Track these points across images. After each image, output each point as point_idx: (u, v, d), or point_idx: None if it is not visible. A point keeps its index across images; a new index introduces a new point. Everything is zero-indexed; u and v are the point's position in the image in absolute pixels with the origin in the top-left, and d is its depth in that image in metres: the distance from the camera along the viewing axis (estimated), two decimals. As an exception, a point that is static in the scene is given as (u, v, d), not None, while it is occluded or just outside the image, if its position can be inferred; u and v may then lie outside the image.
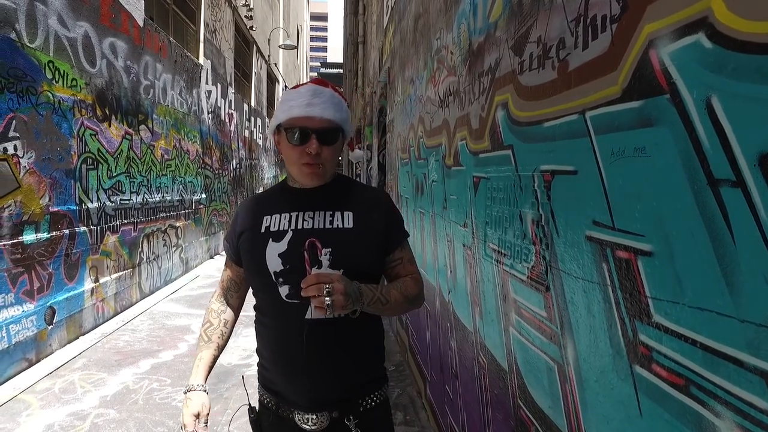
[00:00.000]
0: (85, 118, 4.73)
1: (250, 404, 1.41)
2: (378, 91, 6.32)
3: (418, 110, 3.36)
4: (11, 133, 3.69)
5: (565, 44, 1.27)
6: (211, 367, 1.42)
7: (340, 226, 1.26)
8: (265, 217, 1.32)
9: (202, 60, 8.80)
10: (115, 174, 5.39)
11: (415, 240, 3.41)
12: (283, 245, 1.25)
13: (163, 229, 6.85)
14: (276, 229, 1.29)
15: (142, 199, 6.14)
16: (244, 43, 13.21)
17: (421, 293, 1.32)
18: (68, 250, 4.44)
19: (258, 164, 14.67)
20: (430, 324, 3.09)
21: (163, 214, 6.87)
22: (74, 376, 3.80)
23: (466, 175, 2.24)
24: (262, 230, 1.30)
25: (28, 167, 3.87)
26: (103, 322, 5.10)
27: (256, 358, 4.51)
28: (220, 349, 1.45)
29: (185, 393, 1.34)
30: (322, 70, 46.41)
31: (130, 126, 5.75)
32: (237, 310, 1.53)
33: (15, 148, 3.73)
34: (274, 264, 1.25)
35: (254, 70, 14.17)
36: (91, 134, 4.86)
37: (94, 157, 4.92)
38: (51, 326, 4.18)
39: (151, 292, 6.38)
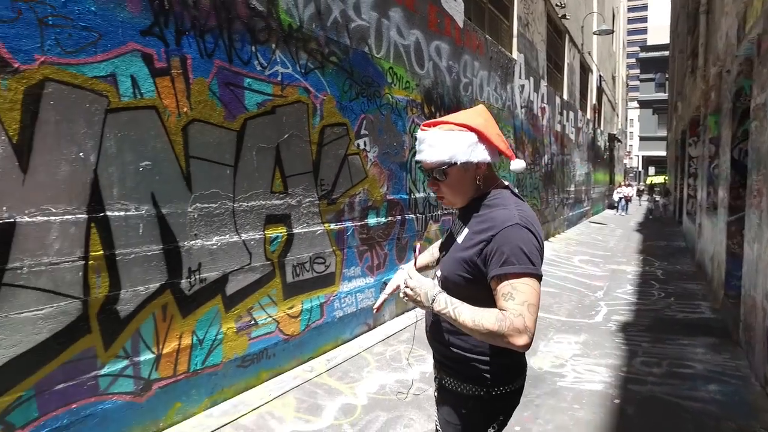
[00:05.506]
0: (415, 116, 5.27)
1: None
2: (734, 68, 4.98)
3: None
4: (362, 131, 4.37)
5: None
6: (429, 263, 1.82)
7: (456, 239, 1.50)
8: (455, 213, 1.68)
9: (515, 54, 8.83)
10: (437, 167, 5.83)
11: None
12: (444, 237, 1.70)
13: (476, 220, 7.12)
14: (451, 223, 1.73)
15: (460, 191, 6.49)
16: (556, 34, 12.75)
17: (501, 333, 1.28)
18: (399, 234, 5.02)
19: (570, 160, 13.96)
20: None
21: (477, 207, 7.13)
22: (400, 348, 4.23)
23: None
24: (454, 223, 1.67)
25: (372, 160, 4.53)
26: (425, 302, 5.58)
27: (569, 368, 4.09)
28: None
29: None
30: (641, 54, 41.19)
31: (450, 122, 6.15)
32: None
33: (365, 144, 4.40)
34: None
35: (566, 60, 13.53)
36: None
37: (421, 151, 5.43)
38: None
39: (465, 280, 6.71)
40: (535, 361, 4.07)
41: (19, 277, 2.17)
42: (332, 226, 4.06)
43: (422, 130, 1.47)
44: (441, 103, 5.85)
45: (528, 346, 1.28)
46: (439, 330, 1.53)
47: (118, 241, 2.54)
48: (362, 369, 3.80)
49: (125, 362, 2.61)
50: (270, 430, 2.91)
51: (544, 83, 10.77)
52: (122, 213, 2.55)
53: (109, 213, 2.49)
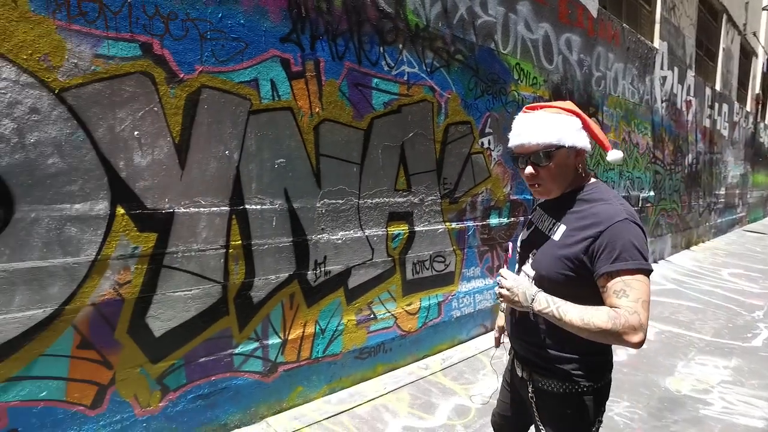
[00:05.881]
0: (542, 113, 5.01)
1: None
2: None
3: None
4: (487, 130, 4.27)
5: None
6: None
7: (551, 235, 1.44)
8: (537, 209, 1.63)
9: (657, 43, 7.99)
10: (564, 167, 5.51)
11: None
12: (525, 234, 1.62)
13: (606, 224, 6.61)
14: (532, 220, 1.62)
15: (588, 192, 6.07)
16: (710, 15, 11.28)
17: (616, 331, 1.25)
18: (521, 236, 4.82)
19: (720, 159, 12.30)
20: None
21: (608, 210, 6.61)
22: (520, 353, 4.07)
23: None
24: (530, 217, 1.66)
25: (496, 159, 4.40)
26: (546, 309, 5.31)
27: (715, 395, 3.63)
28: None
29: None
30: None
31: (581, 119, 5.76)
32: None
33: (489, 143, 4.30)
34: (518, 245, 1.63)
35: (721, 45, 11.91)
36: (546, 128, 5.11)
37: (547, 150, 5.17)
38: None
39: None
40: (671, 383, 3.67)
41: (175, 260, 2.47)
42: (453, 225, 4.02)
43: (525, 112, 1.47)
44: (570, 99, 5.50)
45: (642, 343, 1.26)
46: (533, 330, 1.49)
47: (254, 233, 2.77)
48: (478, 371, 3.73)
49: (256, 344, 2.84)
50: (384, 422, 2.97)
51: (690, 73, 9.62)
52: (258, 206, 2.77)
53: (247, 206, 2.72)
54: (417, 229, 3.72)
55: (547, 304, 1.32)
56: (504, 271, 1.43)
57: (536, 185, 1.45)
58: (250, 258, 2.76)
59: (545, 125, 1.38)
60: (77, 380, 2.24)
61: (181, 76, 2.40)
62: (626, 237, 1.29)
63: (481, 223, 4.30)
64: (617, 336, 1.25)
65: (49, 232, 2.08)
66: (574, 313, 1.29)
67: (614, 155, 1.51)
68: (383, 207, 3.46)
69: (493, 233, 4.45)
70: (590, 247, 1.31)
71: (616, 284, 1.27)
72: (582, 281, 1.34)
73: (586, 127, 1.43)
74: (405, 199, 3.61)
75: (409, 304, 3.72)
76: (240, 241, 2.71)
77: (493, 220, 4.44)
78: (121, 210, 2.27)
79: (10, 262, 2.01)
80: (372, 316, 3.47)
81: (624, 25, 6.77)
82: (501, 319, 1.83)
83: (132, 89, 2.25)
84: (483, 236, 4.33)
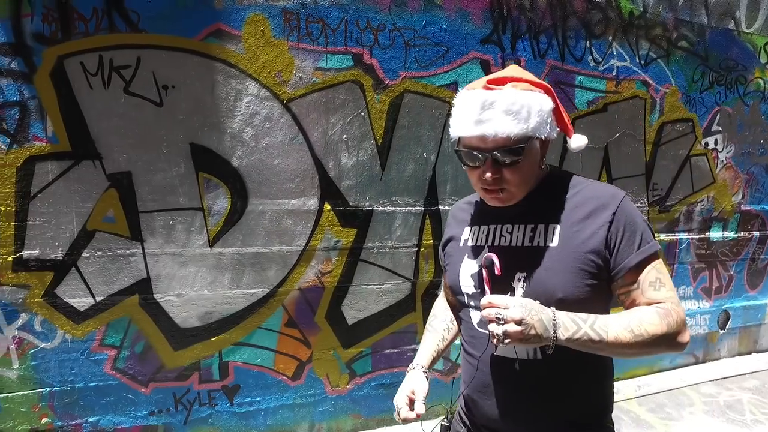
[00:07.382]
0: (795, 106, 4.05)
1: (448, 415, 1.28)
2: None
3: None
4: (714, 128, 3.63)
5: None
6: (435, 354, 1.28)
7: (541, 243, 1.03)
8: (466, 228, 1.20)
9: None
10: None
11: None
12: (477, 264, 1.10)
13: None
14: (473, 243, 1.15)
15: None
16: None
17: (672, 333, 0.94)
18: (755, 255, 4.00)
19: None
20: None
21: None
22: (743, 396, 3.40)
23: None
24: (461, 243, 1.19)
25: (724, 162, 3.72)
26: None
27: None
28: (445, 343, 1.32)
29: (407, 372, 1.25)
30: None
31: None
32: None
33: (715, 142, 3.65)
34: (467, 284, 1.13)
35: None
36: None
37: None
38: (723, 331, 3.94)
39: None
40: None
41: (370, 255, 2.65)
42: (662, 236, 3.53)
43: (488, 88, 1.00)
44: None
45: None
46: (545, 380, 1.04)
47: (445, 234, 2.81)
48: (682, 407, 3.23)
49: (439, 342, 2.90)
50: (567, 445, 2.77)
51: None
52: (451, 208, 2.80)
53: (441, 207, 2.77)
54: (618, 239, 3.36)
55: (576, 325, 0.92)
56: (495, 297, 0.93)
57: (499, 191, 1.03)
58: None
59: (518, 108, 0.96)
60: (283, 353, 2.57)
61: (387, 82, 2.54)
62: (638, 215, 1.01)
63: (697, 237, 3.68)
64: (671, 339, 0.96)
65: (270, 223, 2.42)
66: (617, 327, 0.93)
67: (578, 141, 1.12)
68: (580, 214, 3.20)
69: (713, 249, 3.77)
70: (608, 236, 0.98)
71: (649, 274, 0.98)
72: (600, 288, 1.01)
73: (556, 105, 1.05)
74: (605, 205, 3.28)
75: (602, 321, 3.40)
76: (431, 241, 2.77)
77: (715, 234, 3.76)
78: (327, 206, 2.52)
79: (242, 247, 2.39)
80: (559, 328, 3.26)
81: None
82: (413, 381, 1.21)
83: (343, 96, 2.46)
84: (700, 251, 3.70)
